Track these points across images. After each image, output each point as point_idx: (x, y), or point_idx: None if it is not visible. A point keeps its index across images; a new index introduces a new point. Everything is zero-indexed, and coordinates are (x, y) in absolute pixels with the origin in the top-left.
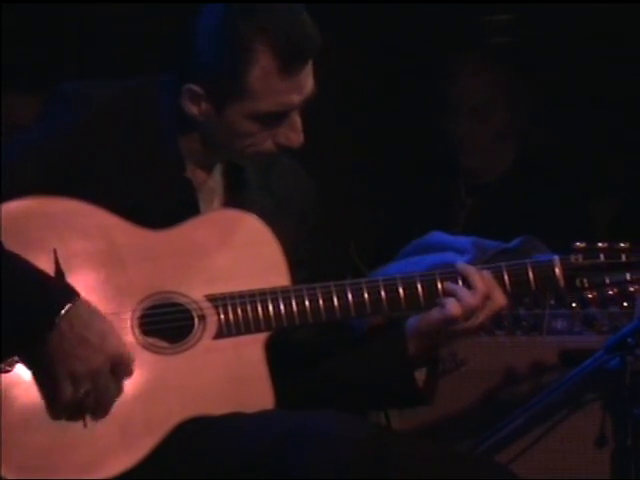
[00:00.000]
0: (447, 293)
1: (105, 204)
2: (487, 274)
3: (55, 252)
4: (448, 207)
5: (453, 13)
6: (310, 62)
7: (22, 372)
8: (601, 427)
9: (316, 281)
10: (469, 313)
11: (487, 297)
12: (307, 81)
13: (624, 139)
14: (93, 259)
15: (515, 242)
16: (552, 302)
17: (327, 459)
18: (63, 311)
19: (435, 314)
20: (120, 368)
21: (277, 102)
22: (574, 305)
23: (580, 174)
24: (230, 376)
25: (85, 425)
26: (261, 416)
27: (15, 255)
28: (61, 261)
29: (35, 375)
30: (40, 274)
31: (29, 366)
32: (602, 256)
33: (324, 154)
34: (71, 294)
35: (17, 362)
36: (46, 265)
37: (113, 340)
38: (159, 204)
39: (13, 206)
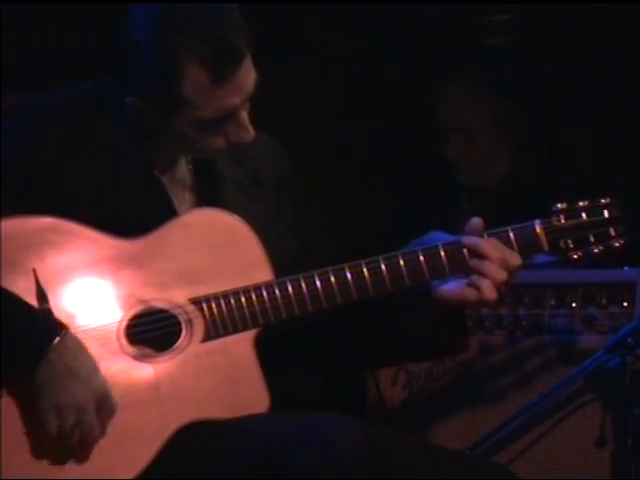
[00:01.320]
0: (477, 273)
1: (77, 216)
2: (494, 241)
3: (34, 271)
4: (447, 212)
5: (453, 13)
6: (245, 60)
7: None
8: (601, 427)
9: (303, 253)
10: (500, 291)
11: (505, 262)
12: (246, 80)
13: (625, 140)
14: (74, 275)
15: None
16: (552, 302)
17: (328, 461)
18: (54, 342)
19: (471, 296)
20: (104, 407)
21: (217, 108)
22: (574, 305)
23: (579, 174)
24: (222, 378)
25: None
26: (262, 419)
27: (1, 288)
28: (41, 280)
29: (21, 408)
30: (28, 307)
31: (16, 397)
32: (584, 215)
33: (320, 155)
34: (60, 327)
35: None
36: (26, 285)
37: (99, 377)
38: (132, 207)
39: None
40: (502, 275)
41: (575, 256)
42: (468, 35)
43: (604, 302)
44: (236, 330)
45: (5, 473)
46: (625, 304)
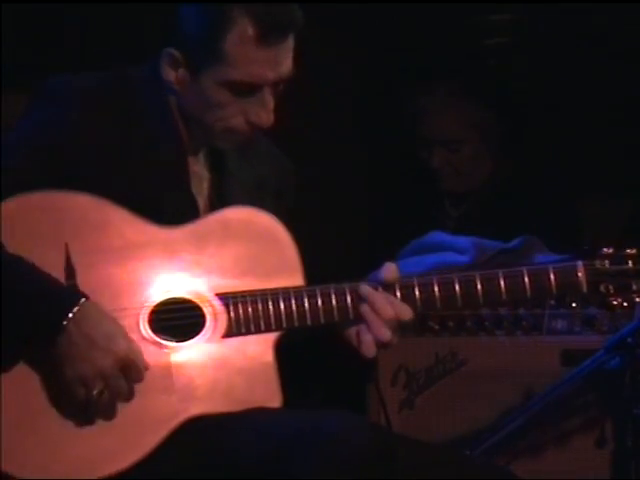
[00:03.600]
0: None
1: (104, 194)
2: (391, 298)
3: (67, 246)
4: (433, 220)
5: (452, 13)
6: (289, 40)
7: (19, 372)
8: (601, 427)
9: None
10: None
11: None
12: (283, 59)
13: (620, 140)
14: (106, 255)
15: (515, 242)
16: (552, 302)
17: (334, 460)
18: (71, 314)
19: (353, 341)
20: (130, 370)
21: (250, 72)
22: (574, 305)
23: (564, 175)
24: (237, 376)
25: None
26: (269, 416)
27: (19, 258)
28: (73, 256)
29: (45, 378)
30: (46, 277)
31: (39, 370)
32: (630, 262)
33: (306, 164)
34: (78, 296)
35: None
36: (56, 259)
37: (121, 342)
38: (155, 192)
39: (24, 200)
40: (386, 335)
41: (615, 302)
42: (468, 35)
43: None
44: (258, 331)
45: (13, 443)
46: (625, 304)
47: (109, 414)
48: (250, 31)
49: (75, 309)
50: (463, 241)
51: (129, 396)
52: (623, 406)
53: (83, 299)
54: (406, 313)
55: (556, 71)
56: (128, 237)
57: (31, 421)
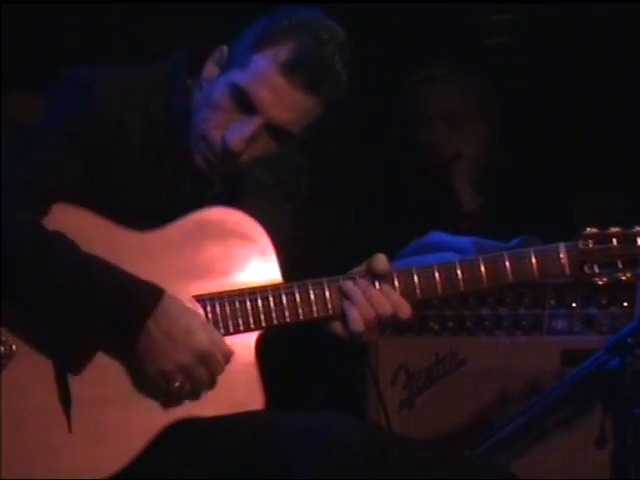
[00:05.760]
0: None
1: (114, 190)
2: (374, 291)
3: None
4: (434, 220)
5: (453, 13)
6: (310, 98)
7: (8, 376)
8: (601, 427)
9: (300, 263)
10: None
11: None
12: (292, 107)
13: (620, 140)
14: None
15: (515, 242)
16: (552, 302)
17: (330, 461)
18: (152, 312)
19: (338, 328)
20: (210, 361)
21: (254, 86)
22: (574, 305)
23: (564, 175)
24: (219, 378)
25: (70, 430)
26: (266, 417)
27: (97, 258)
28: None
29: (129, 370)
30: (123, 274)
31: (120, 363)
32: (615, 241)
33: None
34: (158, 292)
35: (10, 357)
36: None
37: (199, 335)
38: (168, 193)
39: None
40: (370, 312)
41: (600, 282)
42: (468, 35)
43: (604, 302)
44: (237, 331)
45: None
46: (625, 304)
47: (193, 400)
48: (283, 56)
49: (158, 307)
50: (463, 241)
51: (211, 385)
52: (623, 406)
53: (162, 293)
54: (384, 306)
55: (556, 71)
56: (103, 243)
57: (12, 425)
